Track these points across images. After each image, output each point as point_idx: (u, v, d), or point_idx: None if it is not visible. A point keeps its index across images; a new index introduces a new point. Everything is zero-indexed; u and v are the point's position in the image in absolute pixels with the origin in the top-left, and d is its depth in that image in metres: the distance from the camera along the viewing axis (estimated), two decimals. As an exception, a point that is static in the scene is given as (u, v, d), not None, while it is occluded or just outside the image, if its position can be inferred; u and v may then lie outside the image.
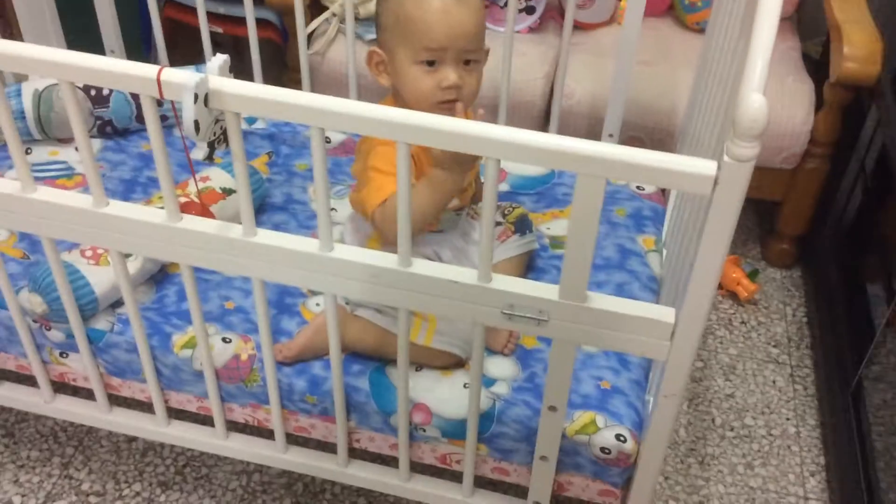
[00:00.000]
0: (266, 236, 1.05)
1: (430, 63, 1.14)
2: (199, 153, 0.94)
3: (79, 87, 1.61)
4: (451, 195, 1.15)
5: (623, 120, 1.69)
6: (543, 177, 1.63)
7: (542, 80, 1.83)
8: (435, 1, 1.11)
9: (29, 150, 1.62)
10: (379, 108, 0.91)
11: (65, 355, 1.32)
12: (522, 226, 1.41)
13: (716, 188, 0.85)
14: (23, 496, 1.44)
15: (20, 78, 1.73)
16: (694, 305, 0.94)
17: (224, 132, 0.98)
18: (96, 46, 1.82)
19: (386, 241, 1.20)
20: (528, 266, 1.44)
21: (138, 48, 2.19)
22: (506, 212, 1.41)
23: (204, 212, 1.30)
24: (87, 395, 1.36)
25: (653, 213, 1.56)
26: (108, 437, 1.56)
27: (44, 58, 0.96)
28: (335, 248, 1.04)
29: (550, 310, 0.99)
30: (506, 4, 1.61)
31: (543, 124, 1.86)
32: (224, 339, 1.28)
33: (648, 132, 1.82)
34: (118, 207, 1.08)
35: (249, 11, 1.67)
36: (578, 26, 1.99)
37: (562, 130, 1.82)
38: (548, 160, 0.89)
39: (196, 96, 0.90)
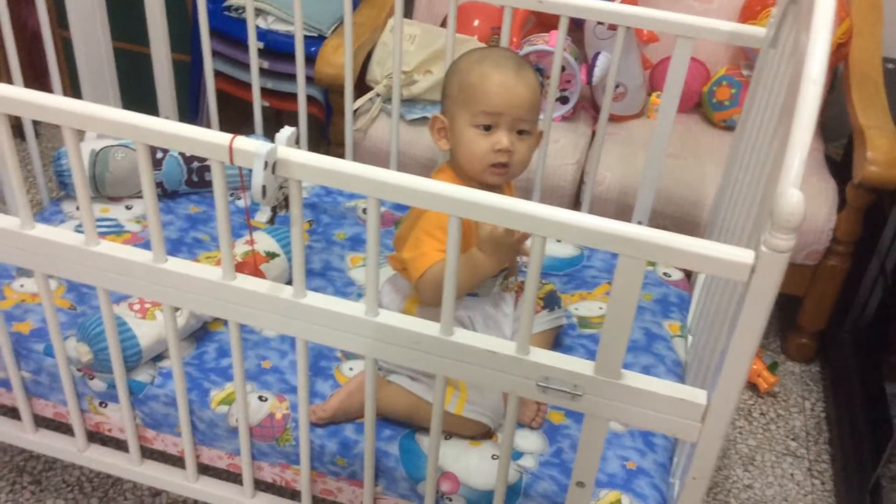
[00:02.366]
0: (315, 299, 1.10)
1: (487, 127, 1.23)
2: (262, 216, 1.00)
3: (134, 150, 1.69)
4: (487, 276, 1.24)
5: (651, 208, 1.75)
6: (573, 259, 1.69)
7: (573, 167, 1.91)
8: (496, 73, 1.22)
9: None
10: (433, 182, 0.97)
11: (104, 405, 1.36)
12: (552, 302, 1.45)
13: (752, 276, 0.89)
14: (45, 545, 1.46)
15: (45, 153, 1.82)
16: (726, 388, 0.97)
17: (285, 199, 1.04)
18: (151, 112, 1.91)
19: (424, 303, 1.27)
20: (557, 342, 1.48)
21: (186, 116, 2.28)
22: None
23: (256, 272, 1.35)
24: (117, 445, 1.39)
25: (678, 299, 1.60)
26: (133, 491, 1.59)
27: (126, 121, 1.03)
28: (380, 314, 1.08)
29: (585, 384, 1.02)
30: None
31: (573, 207, 1.92)
32: (260, 398, 1.31)
33: (675, 221, 1.88)
34: (176, 264, 1.13)
35: (301, 89, 1.76)
36: (610, 118, 2.07)
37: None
38: (593, 240, 0.94)
39: (266, 164, 0.96)
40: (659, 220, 1.86)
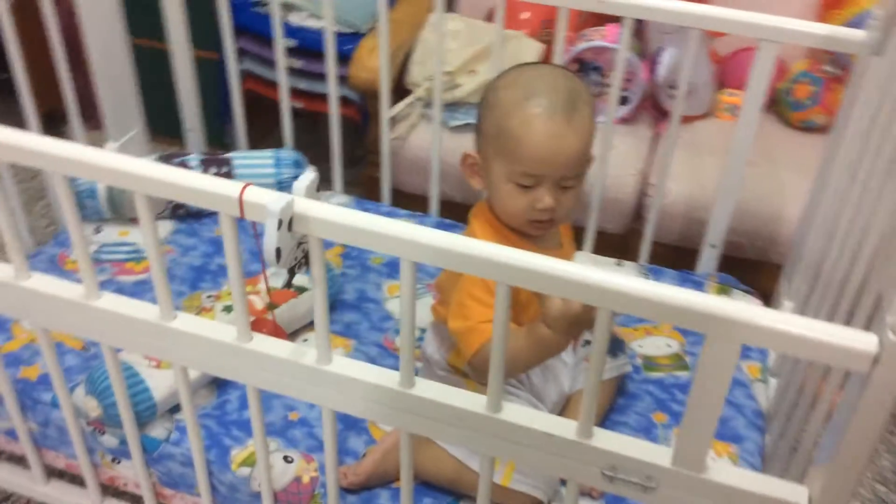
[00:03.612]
0: (341, 365, 0.95)
1: (526, 186, 1.04)
2: (277, 281, 0.85)
3: (154, 166, 1.56)
4: (555, 354, 1.04)
5: (731, 227, 1.57)
6: (635, 286, 1.51)
7: (634, 177, 1.72)
8: (543, 124, 1.01)
9: (99, 229, 1.56)
10: (475, 243, 0.81)
11: (117, 461, 1.24)
12: (613, 346, 1.29)
13: (875, 367, 0.72)
14: None
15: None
16: (835, 491, 0.81)
17: (305, 255, 0.89)
18: (174, 116, 1.79)
19: (479, 382, 1.08)
20: (620, 389, 1.32)
21: (216, 118, 2.14)
22: (595, 331, 1.29)
23: (276, 330, 1.21)
24: (134, 499, 1.27)
25: (756, 334, 1.42)
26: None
27: (123, 168, 0.89)
28: (417, 385, 0.93)
29: (660, 477, 0.86)
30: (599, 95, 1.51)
31: (633, 223, 1.74)
32: (286, 458, 1.18)
33: (750, 238, 1.69)
34: (186, 322, 0.99)
35: (333, 100, 1.61)
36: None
37: (656, 234, 1.70)
38: (674, 317, 0.77)
39: (280, 222, 0.81)
40: (733, 238, 1.67)
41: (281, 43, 1.62)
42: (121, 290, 1.42)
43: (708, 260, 1.56)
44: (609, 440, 0.89)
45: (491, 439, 0.92)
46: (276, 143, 1.72)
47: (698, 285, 1.52)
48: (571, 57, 1.82)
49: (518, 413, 0.91)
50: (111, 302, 1.01)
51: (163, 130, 2.14)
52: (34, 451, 1.26)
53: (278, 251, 0.82)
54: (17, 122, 2.23)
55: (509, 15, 1.97)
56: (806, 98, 1.82)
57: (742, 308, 0.75)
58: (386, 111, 1.60)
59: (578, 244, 1.59)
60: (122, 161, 0.89)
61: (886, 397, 0.74)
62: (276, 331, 1.21)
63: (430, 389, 0.93)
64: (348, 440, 1.21)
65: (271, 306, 1.28)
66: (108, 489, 1.29)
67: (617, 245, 1.71)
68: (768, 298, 1.54)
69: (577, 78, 1.06)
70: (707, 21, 1.29)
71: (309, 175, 0.87)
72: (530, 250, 1.07)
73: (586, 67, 1.83)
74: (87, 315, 1.02)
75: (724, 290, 1.50)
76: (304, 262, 0.89)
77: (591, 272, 0.78)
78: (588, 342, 1.28)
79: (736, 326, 0.75)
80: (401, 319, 0.89)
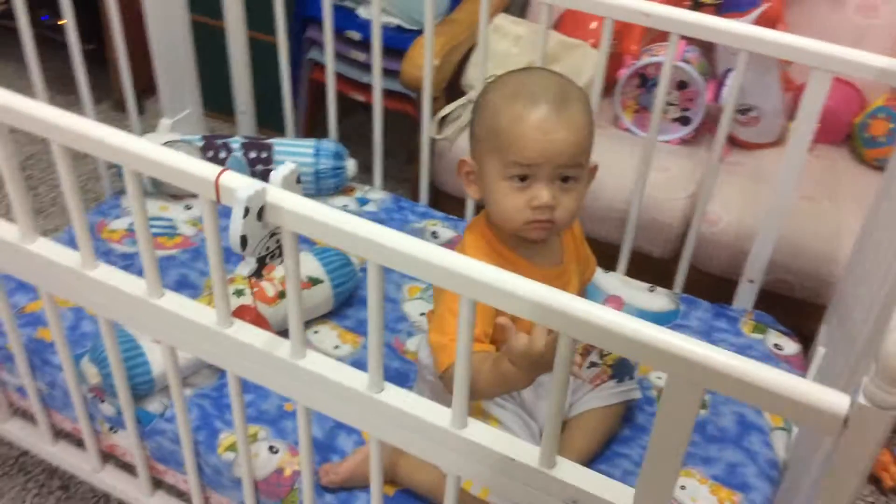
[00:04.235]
0: (314, 361, 0.93)
1: (522, 178, 1.01)
2: (244, 268, 0.84)
3: (199, 147, 1.58)
4: (518, 389, 1.00)
5: (771, 260, 1.48)
6: (665, 314, 1.45)
7: (684, 201, 1.65)
8: (532, 115, 0.99)
9: (140, 202, 1.60)
10: (441, 253, 0.78)
11: (114, 430, 1.26)
12: (622, 370, 1.23)
13: (844, 430, 0.66)
14: (63, 557, 1.39)
15: (146, 130, 1.73)
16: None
17: (279, 247, 0.88)
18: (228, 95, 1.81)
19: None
20: (628, 418, 1.26)
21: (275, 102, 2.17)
22: (604, 351, 1.24)
23: (258, 319, 1.21)
24: (131, 469, 1.29)
25: (787, 379, 1.33)
26: (159, 511, 1.49)
27: (111, 142, 0.89)
28: (385, 390, 0.91)
29: (619, 518, 0.81)
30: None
31: (677, 249, 1.67)
32: (271, 448, 1.17)
33: (800, 278, 1.59)
34: (172, 301, 1.00)
35: (378, 86, 1.60)
36: (739, 144, 1.80)
37: (698, 261, 1.62)
38: (635, 353, 0.72)
39: (247, 210, 0.80)
40: (781, 275, 1.58)
41: (329, 30, 1.61)
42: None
43: (746, 295, 1.48)
44: (572, 472, 0.84)
45: (454, 455, 0.89)
46: (343, 133, 1.72)
47: (733, 321, 1.44)
48: (633, 71, 1.76)
49: (482, 431, 0.88)
50: (105, 273, 1.03)
51: (220, 109, 2.18)
52: (42, 411, 1.30)
53: (244, 239, 0.81)
54: (101, 94, 2.33)
55: (578, 24, 1.92)
56: (882, 135, 1.71)
57: (707, 352, 0.69)
58: (427, 111, 1.58)
59: (612, 265, 1.53)
60: (112, 136, 0.90)
61: (856, 464, 0.67)
62: (258, 319, 1.21)
63: (397, 397, 0.91)
64: (338, 438, 1.20)
65: (281, 294, 1.27)
66: (108, 457, 1.32)
67: (659, 270, 1.64)
68: (808, 349, 1.44)
69: (571, 81, 1.04)
70: (754, 42, 1.22)
71: (287, 167, 0.85)
72: (523, 267, 1.05)
73: (647, 83, 1.76)
74: (83, 284, 1.03)
75: (759, 328, 1.42)
76: (277, 252, 0.88)
77: (553, 294, 0.74)
78: (594, 364, 1.23)
79: (698, 370, 0.69)
80: (368, 324, 0.86)
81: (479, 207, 1.13)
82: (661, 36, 1.84)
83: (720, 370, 0.68)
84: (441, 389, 1.10)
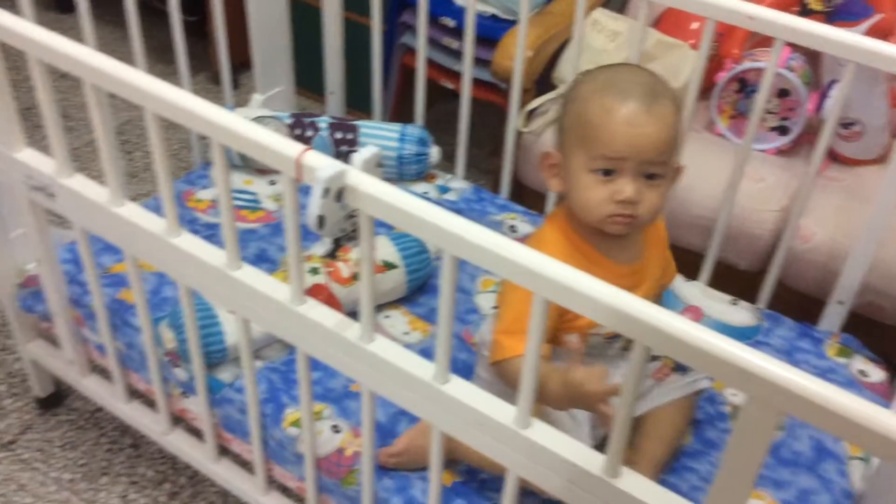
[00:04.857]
0: (382, 346, 0.93)
1: (607, 172, 1.00)
2: (319, 248, 0.84)
3: (287, 124, 1.60)
4: (549, 405, 1.00)
5: (864, 282, 1.42)
6: (747, 329, 1.40)
7: (776, 214, 1.59)
8: (622, 108, 0.98)
9: (227, 174, 1.63)
10: (517, 249, 0.77)
11: (186, 395, 1.28)
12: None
13: (927, 471, 0.62)
14: (126, 515, 1.43)
15: (240, 104, 1.76)
16: None
17: (356, 229, 0.88)
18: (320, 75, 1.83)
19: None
20: (697, 433, 1.22)
21: (359, 84, 2.18)
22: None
23: (330, 299, 1.21)
24: (200, 434, 1.31)
25: (870, 407, 1.27)
26: (223, 477, 1.52)
27: (201, 114, 0.91)
28: (450, 382, 0.90)
29: (681, 535, 0.79)
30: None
31: (765, 263, 1.61)
32: (334, 427, 1.18)
33: (893, 303, 1.51)
34: (249, 274, 1.01)
35: (468, 74, 1.59)
36: (839, 159, 1.72)
37: (785, 277, 1.56)
38: (710, 368, 0.70)
39: (327, 190, 0.80)
40: (873, 298, 1.50)
41: (423, 15, 1.61)
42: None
43: (834, 317, 1.42)
44: (636, 484, 0.82)
45: (516, 454, 0.88)
46: (430, 120, 1.72)
47: (817, 342, 1.38)
48: (732, 76, 1.70)
49: (545, 434, 0.86)
50: (187, 242, 1.05)
51: (311, 88, 2.20)
52: (119, 370, 1.34)
53: (321, 219, 0.81)
54: (200, 65, 2.38)
55: (679, 23, 1.87)
56: None
57: (788, 374, 0.66)
58: (516, 103, 1.56)
59: (695, 274, 1.49)
60: (202, 108, 0.91)
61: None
62: (331, 299, 1.21)
63: (462, 390, 0.90)
64: (400, 423, 1.20)
65: (355, 276, 1.28)
66: (178, 420, 1.35)
67: (744, 283, 1.58)
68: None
69: (661, 79, 1.02)
70: (865, 55, 1.16)
71: (370, 150, 0.85)
72: (600, 262, 1.03)
73: (746, 89, 1.70)
74: (165, 250, 1.06)
75: (845, 352, 1.36)
76: (353, 234, 0.88)
77: (629, 301, 0.72)
78: (654, 357, 1.19)
79: (777, 392, 0.66)
80: (439, 315, 0.86)
81: (561, 203, 1.12)
82: (764, 40, 1.78)
83: (800, 394, 0.65)
84: (494, 383, 1.09)
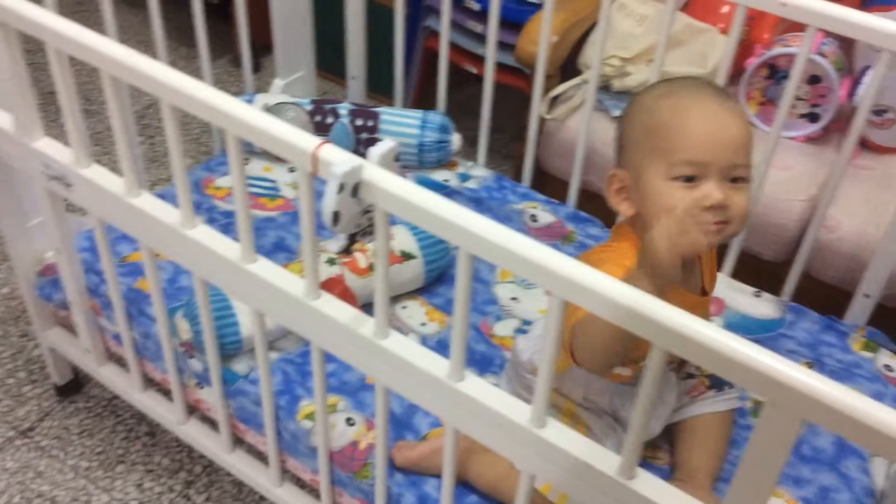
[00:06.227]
0: (396, 342, 0.92)
1: (689, 179, 0.93)
2: (333, 244, 0.83)
3: (307, 110, 1.59)
4: (666, 278, 0.83)
5: (892, 275, 1.38)
6: (770, 322, 1.37)
7: (803, 203, 1.55)
8: (696, 107, 0.92)
9: (246, 161, 1.62)
10: (533, 247, 0.74)
11: (200, 386, 1.28)
12: (721, 379, 1.17)
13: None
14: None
15: (261, 87, 1.74)
16: None
17: (371, 224, 0.86)
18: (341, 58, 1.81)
19: (578, 362, 0.96)
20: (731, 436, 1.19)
21: (381, 67, 2.15)
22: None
23: (345, 293, 1.20)
24: (214, 425, 1.31)
25: (897, 404, 1.25)
26: (240, 465, 1.52)
27: (215, 105, 0.89)
28: (466, 379, 0.89)
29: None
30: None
31: (791, 254, 1.58)
32: (348, 420, 1.17)
33: (923, 296, 1.48)
34: (263, 267, 1.00)
35: (491, 58, 1.56)
36: (869, 147, 1.68)
37: (811, 268, 1.53)
38: (730, 372, 0.67)
39: (342, 186, 0.79)
40: (901, 291, 1.47)
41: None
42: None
43: (860, 310, 1.38)
44: (651, 486, 0.80)
45: (530, 453, 0.86)
46: (453, 104, 1.70)
47: (842, 336, 1.35)
48: (762, 61, 1.66)
49: (560, 434, 0.84)
50: (202, 234, 1.03)
51: (334, 71, 2.18)
52: (135, 359, 1.34)
53: (336, 214, 0.80)
54: (223, 47, 2.37)
55: (709, 7, 1.83)
56: None
57: (810, 381, 0.64)
58: (539, 89, 1.53)
59: (718, 264, 1.46)
60: (217, 99, 0.89)
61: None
62: (346, 294, 1.20)
63: (477, 388, 0.88)
64: (415, 416, 1.19)
65: (372, 267, 1.26)
66: (194, 410, 1.35)
67: (768, 274, 1.55)
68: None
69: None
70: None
71: (386, 144, 0.83)
72: (677, 291, 0.94)
73: (777, 75, 1.66)
74: (180, 242, 1.05)
75: (870, 346, 1.33)
76: (369, 230, 0.86)
77: (643, 300, 0.70)
78: (690, 375, 1.17)
79: (799, 400, 0.64)
80: (454, 313, 0.84)
81: (589, 195, 1.05)
82: (796, 25, 1.72)
83: (822, 401, 0.63)
84: (533, 384, 1.06)
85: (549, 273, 0.73)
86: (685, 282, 0.99)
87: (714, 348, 0.67)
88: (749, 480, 0.71)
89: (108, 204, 1.10)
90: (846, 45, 1.68)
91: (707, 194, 0.91)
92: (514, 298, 1.38)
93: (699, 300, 1.03)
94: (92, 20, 0.99)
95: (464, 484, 1.12)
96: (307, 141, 0.84)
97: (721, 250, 1.48)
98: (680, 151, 0.92)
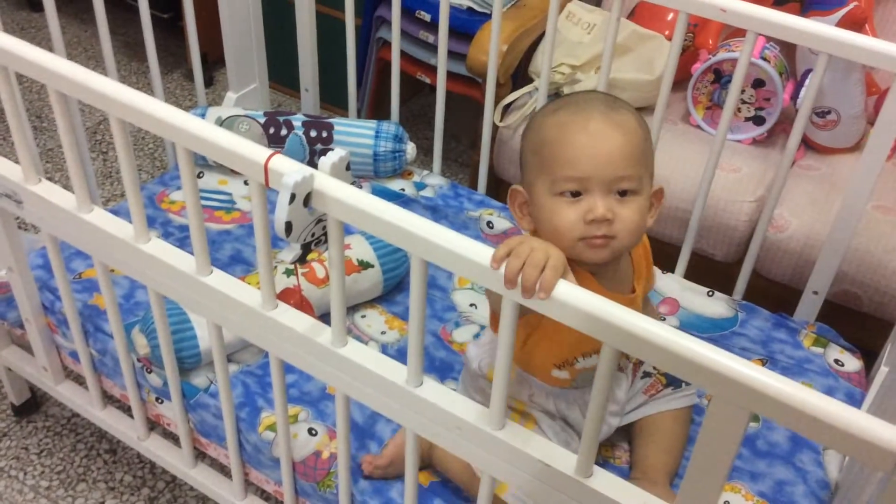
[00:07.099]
0: (354, 350, 0.93)
1: (574, 194, 0.93)
2: (287, 254, 0.83)
3: (261, 123, 1.59)
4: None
5: (839, 271, 1.42)
6: (722, 321, 1.40)
7: (751, 204, 1.59)
8: (576, 121, 0.93)
9: (200, 175, 1.61)
10: (484, 252, 0.76)
11: (160, 401, 1.27)
12: (677, 378, 1.19)
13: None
14: (104, 520, 1.42)
15: (215, 100, 1.74)
16: None
17: (325, 233, 0.87)
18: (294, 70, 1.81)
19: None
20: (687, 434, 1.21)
21: (333, 78, 2.17)
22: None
23: (302, 303, 1.20)
24: (177, 440, 1.31)
25: (848, 398, 1.28)
26: (203, 480, 1.52)
27: (164, 119, 0.89)
28: (424, 385, 0.90)
29: (653, 536, 0.79)
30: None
31: (741, 254, 1.61)
32: (310, 430, 1.17)
33: (869, 291, 1.52)
34: (219, 279, 1.00)
35: (442, 69, 1.58)
36: (814, 148, 1.73)
37: (761, 267, 1.57)
38: (677, 368, 0.69)
39: (293, 196, 0.79)
40: (848, 287, 1.52)
41: (397, 9, 1.58)
42: (205, 236, 1.46)
43: (809, 306, 1.42)
44: (608, 483, 0.82)
45: (489, 455, 0.88)
46: (408, 115, 1.71)
47: (793, 332, 1.38)
48: (707, 66, 1.70)
49: (518, 435, 0.86)
50: (156, 248, 1.03)
51: (287, 83, 2.18)
52: (92, 376, 1.32)
53: (289, 225, 0.81)
54: (175, 61, 2.36)
55: (654, 15, 1.87)
56: (970, 146, 1.62)
57: (756, 374, 0.66)
58: (491, 97, 1.55)
59: (671, 266, 1.49)
60: (166, 112, 0.90)
61: (908, 507, 0.63)
62: (302, 303, 1.20)
63: (435, 392, 0.89)
64: (377, 424, 1.19)
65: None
66: (155, 426, 1.34)
67: (720, 274, 1.59)
68: (870, 366, 1.38)
69: (619, 98, 0.98)
70: (836, 46, 1.16)
71: (337, 153, 0.84)
72: (593, 287, 0.95)
73: (722, 79, 1.70)
74: (134, 256, 1.04)
75: (820, 341, 1.36)
76: (323, 239, 0.87)
77: (595, 302, 0.72)
78: (647, 374, 1.19)
79: (745, 392, 0.66)
80: (410, 318, 0.85)
81: None
82: (740, 31, 1.77)
83: (769, 394, 0.65)
84: (486, 388, 1.08)
85: (499, 277, 0.75)
86: (611, 282, 1.01)
87: (659, 344, 0.68)
88: (701, 473, 0.73)
89: (59, 220, 1.10)
90: (788, 49, 1.73)
91: (589, 209, 0.92)
92: (472, 305, 1.39)
93: (628, 299, 1.04)
94: (40, 37, 0.99)
95: (428, 487, 1.12)
96: (258, 152, 0.85)
97: (674, 252, 1.51)
98: (560, 167, 0.92)
